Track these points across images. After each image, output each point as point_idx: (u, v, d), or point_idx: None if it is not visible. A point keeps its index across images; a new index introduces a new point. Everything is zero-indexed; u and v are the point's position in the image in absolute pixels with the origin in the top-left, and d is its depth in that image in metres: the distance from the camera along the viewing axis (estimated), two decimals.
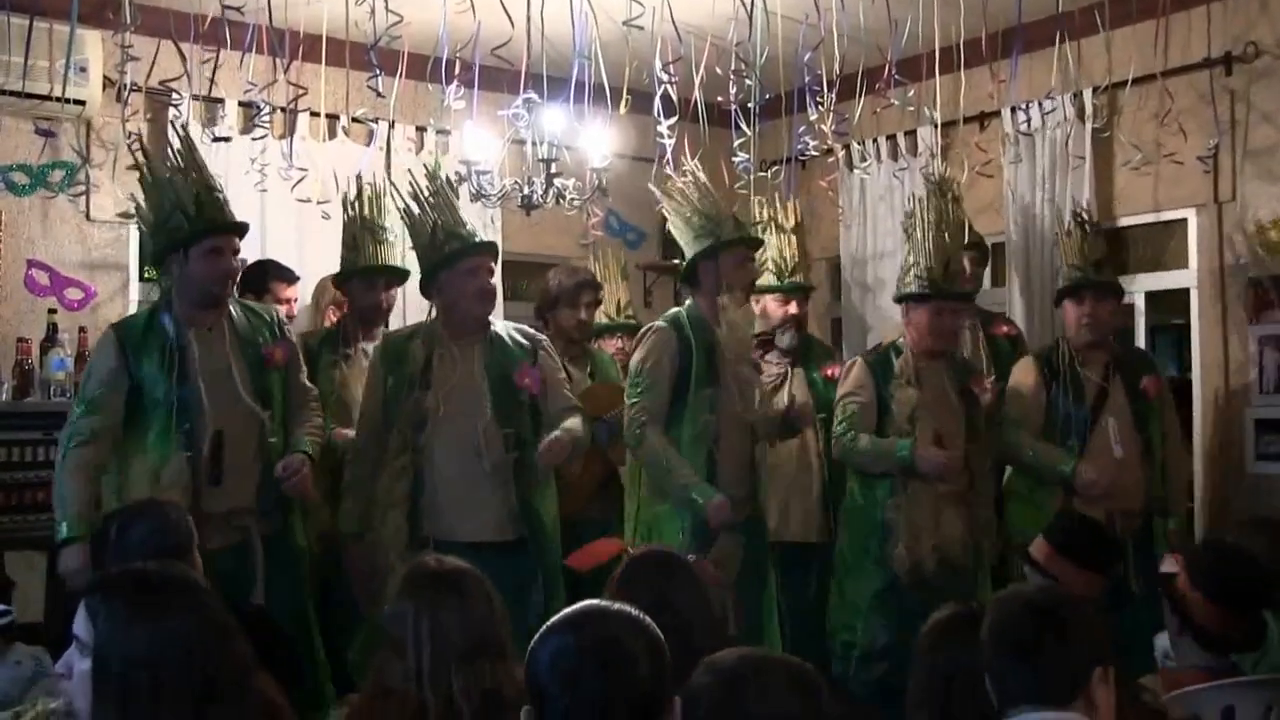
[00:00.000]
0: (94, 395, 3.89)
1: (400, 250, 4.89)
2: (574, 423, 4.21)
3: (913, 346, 4.77)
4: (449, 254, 4.16)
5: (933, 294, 4.71)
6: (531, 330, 4.45)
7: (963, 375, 4.87)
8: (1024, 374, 4.98)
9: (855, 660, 4.67)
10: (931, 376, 4.75)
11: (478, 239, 4.30)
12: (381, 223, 4.89)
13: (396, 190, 4.34)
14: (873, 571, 4.67)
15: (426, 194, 4.25)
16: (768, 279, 5.22)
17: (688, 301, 4.61)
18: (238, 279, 4.28)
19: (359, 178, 4.95)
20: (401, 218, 4.36)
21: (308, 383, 4.31)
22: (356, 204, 4.87)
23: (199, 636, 2.02)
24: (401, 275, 4.97)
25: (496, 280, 4.38)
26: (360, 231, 4.84)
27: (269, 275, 5.06)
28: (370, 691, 2.70)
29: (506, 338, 4.27)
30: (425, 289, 4.30)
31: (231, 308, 4.10)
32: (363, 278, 4.84)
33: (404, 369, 4.15)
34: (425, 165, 4.81)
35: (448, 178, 4.41)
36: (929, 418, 4.67)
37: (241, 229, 4.10)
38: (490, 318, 4.31)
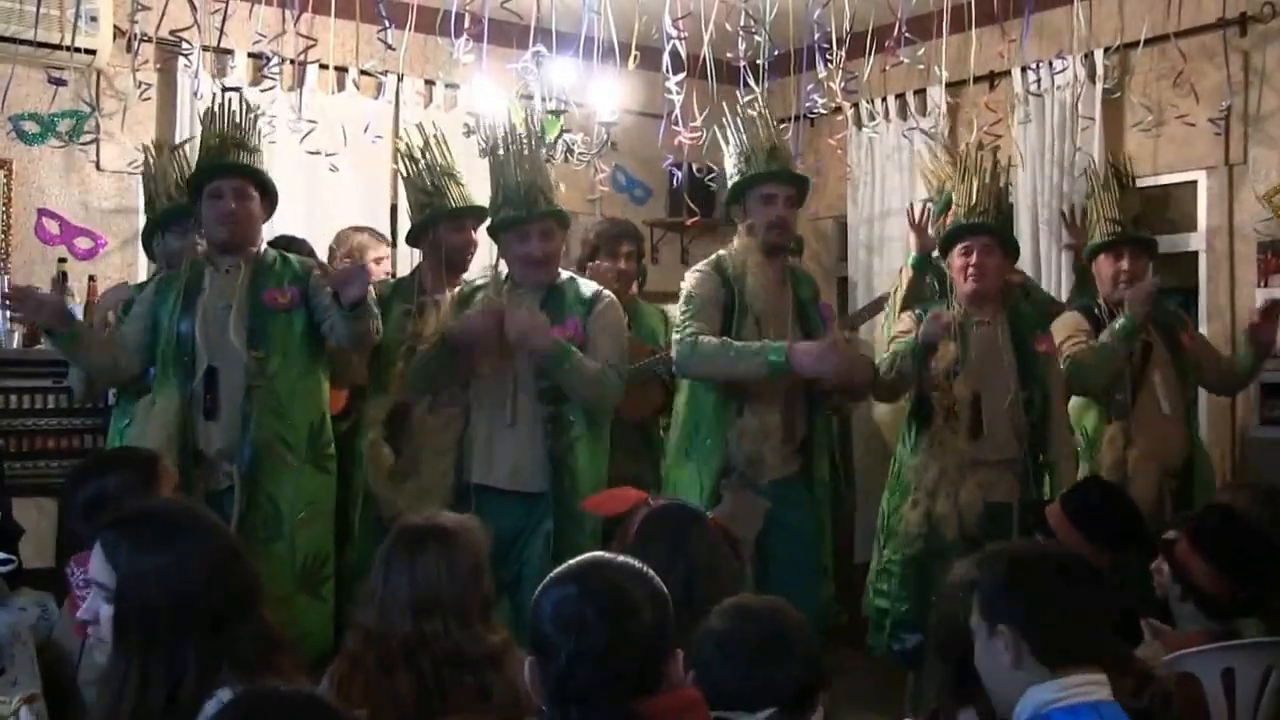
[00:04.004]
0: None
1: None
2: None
3: (960, 299, 4.53)
4: (527, 214, 4.13)
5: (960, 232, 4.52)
6: (598, 286, 4.31)
7: (1025, 330, 4.52)
8: (1075, 331, 4.74)
9: (889, 629, 4.44)
10: (984, 331, 4.42)
11: (559, 209, 4.24)
12: (455, 166, 4.67)
13: (478, 129, 4.27)
14: (902, 538, 4.42)
15: (525, 146, 4.19)
16: None
17: (733, 243, 4.33)
18: (249, 222, 4.13)
19: (419, 126, 4.73)
20: (489, 158, 4.26)
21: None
22: (429, 150, 4.62)
23: (214, 559, 2.05)
24: (484, 214, 4.66)
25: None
26: (440, 177, 4.60)
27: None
28: (346, 652, 2.71)
29: (569, 291, 4.20)
30: (494, 233, 4.28)
31: (267, 255, 4.14)
32: (452, 220, 4.57)
33: None
34: (531, 114, 4.58)
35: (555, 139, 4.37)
36: (971, 377, 4.38)
37: (244, 170, 4.08)
38: (562, 270, 4.29)
